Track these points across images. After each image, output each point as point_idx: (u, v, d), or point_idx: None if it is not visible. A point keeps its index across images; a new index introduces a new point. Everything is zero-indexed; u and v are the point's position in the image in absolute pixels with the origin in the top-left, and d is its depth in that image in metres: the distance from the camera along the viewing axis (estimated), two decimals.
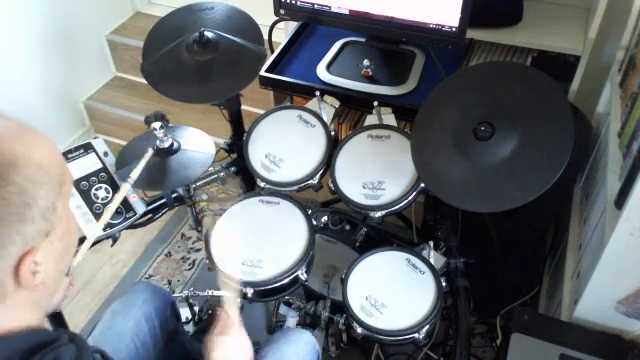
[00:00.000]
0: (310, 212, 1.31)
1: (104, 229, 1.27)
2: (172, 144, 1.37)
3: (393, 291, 1.18)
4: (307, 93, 1.50)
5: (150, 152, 1.28)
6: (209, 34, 1.39)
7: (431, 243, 1.27)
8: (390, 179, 1.26)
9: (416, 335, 1.13)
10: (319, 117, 1.37)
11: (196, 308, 1.58)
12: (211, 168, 1.53)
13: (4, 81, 2.01)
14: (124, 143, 1.47)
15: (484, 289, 1.46)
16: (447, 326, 1.53)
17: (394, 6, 1.43)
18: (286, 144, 1.36)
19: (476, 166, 1.07)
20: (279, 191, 1.33)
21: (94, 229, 1.20)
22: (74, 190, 1.25)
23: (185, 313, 1.58)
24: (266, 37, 1.52)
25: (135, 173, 1.22)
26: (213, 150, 1.41)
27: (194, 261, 1.93)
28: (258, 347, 1.55)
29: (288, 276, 1.19)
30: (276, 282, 1.19)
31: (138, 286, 1.20)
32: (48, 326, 1.36)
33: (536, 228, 1.50)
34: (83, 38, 2.31)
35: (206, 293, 1.57)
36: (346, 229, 1.42)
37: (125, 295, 1.17)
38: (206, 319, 1.59)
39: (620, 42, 1.36)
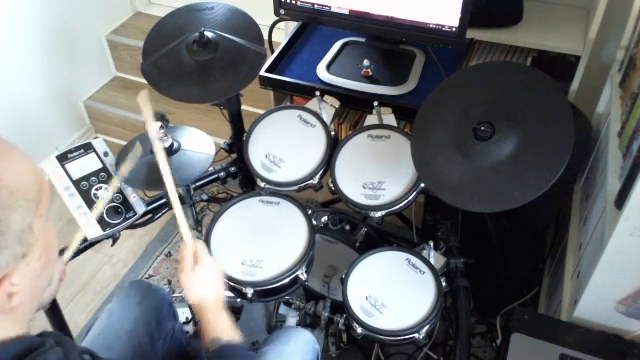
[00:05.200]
0: (310, 212, 1.31)
1: (104, 229, 1.27)
2: (172, 144, 1.38)
3: (393, 291, 1.18)
4: (307, 93, 1.50)
5: (139, 149, 1.26)
6: (209, 34, 1.39)
7: (431, 243, 1.27)
8: (390, 179, 1.26)
9: (416, 335, 1.13)
10: (319, 117, 1.37)
11: None
12: (211, 168, 1.53)
13: (4, 81, 2.01)
14: (124, 143, 1.47)
15: (484, 289, 1.46)
16: (447, 326, 1.53)
17: (394, 6, 1.43)
18: (286, 144, 1.36)
19: (476, 166, 1.07)
20: (279, 191, 1.33)
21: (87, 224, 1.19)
22: (74, 190, 1.25)
23: (185, 313, 1.58)
24: (266, 37, 1.52)
25: (125, 169, 1.19)
26: (213, 150, 1.41)
27: None
28: (257, 346, 1.56)
29: (288, 276, 1.19)
30: (276, 282, 1.19)
31: (134, 285, 1.20)
32: (48, 327, 1.36)
33: (536, 228, 1.50)
34: (83, 38, 2.31)
35: None
36: (346, 229, 1.42)
37: (122, 295, 1.17)
38: None
39: (620, 42, 1.36)
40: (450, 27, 1.39)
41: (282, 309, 1.55)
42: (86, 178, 1.28)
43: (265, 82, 1.58)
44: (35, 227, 0.61)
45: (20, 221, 0.58)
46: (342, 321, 1.39)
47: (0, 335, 0.61)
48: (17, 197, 0.58)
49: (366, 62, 1.53)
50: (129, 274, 1.90)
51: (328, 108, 1.41)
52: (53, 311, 1.35)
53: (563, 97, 1.05)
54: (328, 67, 1.58)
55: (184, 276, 0.99)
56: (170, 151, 1.37)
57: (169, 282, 1.86)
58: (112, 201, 1.29)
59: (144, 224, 1.43)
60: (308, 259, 1.23)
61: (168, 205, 1.48)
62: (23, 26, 2.02)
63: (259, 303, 1.72)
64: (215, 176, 1.62)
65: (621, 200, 0.98)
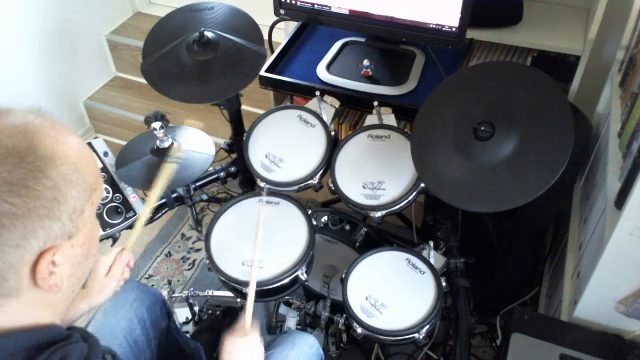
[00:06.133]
0: (310, 212, 1.31)
1: (104, 229, 1.27)
2: (172, 144, 1.38)
3: (393, 291, 1.18)
4: (307, 93, 1.50)
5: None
6: (209, 34, 1.39)
7: (431, 243, 1.27)
8: (390, 179, 1.26)
9: (416, 335, 1.13)
10: (319, 117, 1.37)
11: (196, 308, 1.58)
12: (211, 168, 1.53)
13: (4, 81, 2.01)
14: (124, 143, 1.47)
15: (484, 289, 1.46)
16: (447, 326, 1.53)
17: (394, 6, 1.43)
18: (286, 144, 1.36)
19: (476, 166, 1.06)
20: (279, 191, 1.33)
21: None
22: None
23: (185, 313, 1.58)
24: (266, 37, 1.52)
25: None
26: (213, 150, 1.41)
27: (194, 261, 1.93)
28: None
29: (288, 276, 1.19)
30: (276, 282, 1.19)
31: (127, 285, 1.20)
32: None
33: (536, 228, 1.50)
34: (83, 38, 2.31)
35: (206, 293, 1.58)
36: (346, 229, 1.42)
37: (115, 294, 1.17)
38: (206, 319, 1.59)
39: (620, 42, 1.36)
40: (450, 27, 1.39)
41: (282, 309, 1.55)
42: None
43: (265, 82, 1.58)
44: (86, 211, 0.63)
45: (76, 198, 0.61)
46: (342, 321, 1.39)
47: (35, 318, 0.63)
48: (78, 175, 0.61)
49: (366, 62, 1.53)
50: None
51: (328, 108, 1.41)
52: None
53: (563, 97, 1.05)
54: (328, 67, 1.58)
55: (231, 337, 0.97)
56: (170, 151, 1.37)
57: (169, 282, 1.86)
58: (112, 201, 1.29)
59: (144, 224, 1.43)
60: (308, 259, 1.23)
61: (168, 206, 1.48)
62: (23, 26, 2.02)
63: (259, 303, 1.72)
64: (215, 176, 1.62)
65: (621, 200, 0.98)
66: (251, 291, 1.08)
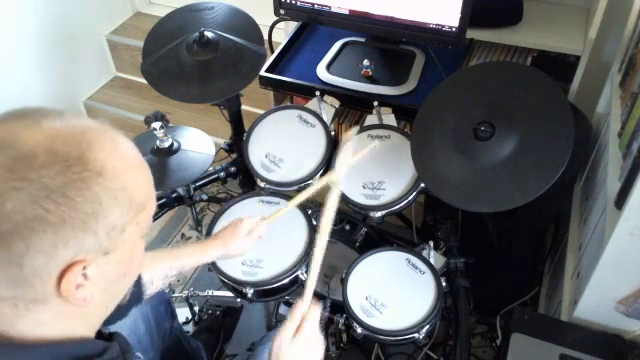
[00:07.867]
0: (310, 212, 1.31)
1: None
2: (172, 144, 1.38)
3: (393, 291, 1.18)
4: (307, 93, 1.49)
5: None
6: (209, 34, 1.39)
7: (431, 243, 1.27)
8: (390, 179, 1.26)
9: (416, 335, 1.13)
10: (319, 117, 1.37)
11: (196, 308, 1.58)
12: (211, 168, 1.54)
13: (4, 81, 2.01)
14: None
15: (484, 289, 1.46)
16: (447, 326, 1.53)
17: (394, 6, 1.43)
18: (286, 144, 1.36)
19: (476, 166, 1.07)
20: (279, 191, 1.33)
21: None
22: None
23: (185, 313, 1.58)
24: (266, 37, 1.52)
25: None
26: (213, 150, 1.41)
27: None
28: (255, 346, 1.55)
29: (288, 276, 1.19)
30: (276, 282, 1.19)
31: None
32: None
33: (536, 228, 1.50)
34: (83, 38, 2.31)
35: (206, 293, 1.58)
36: (346, 229, 1.42)
37: None
38: (206, 319, 1.59)
39: (620, 42, 1.36)
40: (450, 27, 1.39)
41: (282, 309, 1.55)
42: None
43: (265, 82, 1.58)
44: (127, 230, 0.60)
45: (118, 216, 0.58)
46: (342, 321, 1.39)
47: (64, 329, 0.60)
48: (125, 195, 0.59)
49: (366, 62, 1.53)
50: None
51: (328, 108, 1.41)
52: None
53: (563, 97, 1.05)
54: (328, 67, 1.58)
55: (278, 339, 0.86)
56: (170, 151, 1.37)
57: None
58: None
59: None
60: (308, 259, 1.23)
61: (168, 206, 1.48)
62: (23, 26, 2.02)
63: (259, 303, 1.72)
64: (215, 176, 1.62)
65: (621, 200, 0.97)
66: (318, 256, 0.94)
